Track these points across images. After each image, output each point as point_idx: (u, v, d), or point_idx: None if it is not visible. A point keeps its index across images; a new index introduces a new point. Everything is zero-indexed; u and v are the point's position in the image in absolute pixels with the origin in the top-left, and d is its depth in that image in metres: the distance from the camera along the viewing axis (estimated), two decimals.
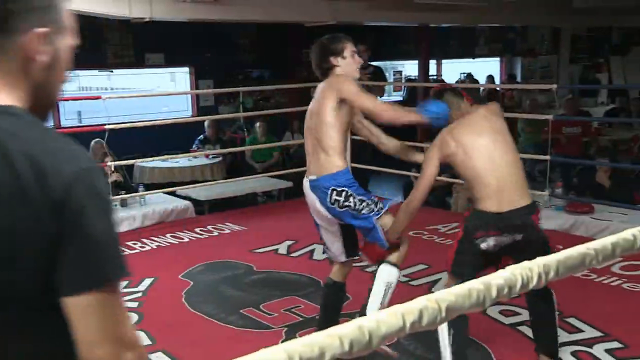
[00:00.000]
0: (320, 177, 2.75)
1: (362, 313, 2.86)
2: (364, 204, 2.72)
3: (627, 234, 0.88)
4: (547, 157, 5.39)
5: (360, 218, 2.73)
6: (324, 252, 3.19)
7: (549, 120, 5.66)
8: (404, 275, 4.11)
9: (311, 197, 2.83)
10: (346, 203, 2.71)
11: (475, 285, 0.71)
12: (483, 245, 2.62)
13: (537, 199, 5.45)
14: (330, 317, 2.91)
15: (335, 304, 2.98)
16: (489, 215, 2.61)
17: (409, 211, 2.72)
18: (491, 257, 2.65)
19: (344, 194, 2.70)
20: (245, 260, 4.57)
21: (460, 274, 2.61)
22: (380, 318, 0.62)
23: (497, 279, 0.73)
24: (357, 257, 3.00)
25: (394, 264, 2.84)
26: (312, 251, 4.76)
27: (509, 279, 0.73)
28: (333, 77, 2.81)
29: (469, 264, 2.65)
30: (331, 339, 0.58)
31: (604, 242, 0.86)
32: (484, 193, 2.62)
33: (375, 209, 2.74)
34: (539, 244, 2.66)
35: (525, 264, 0.77)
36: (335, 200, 2.70)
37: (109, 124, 5.28)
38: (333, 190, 2.70)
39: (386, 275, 2.82)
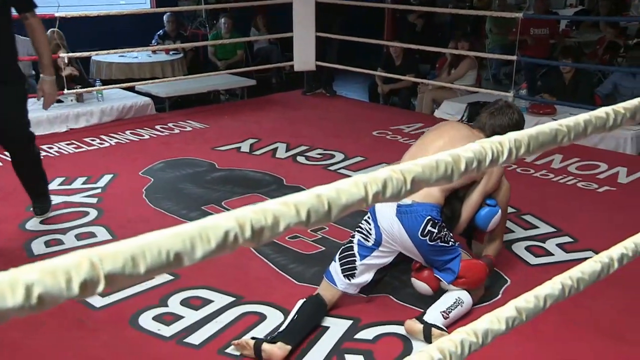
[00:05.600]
0: (417, 203, 2.42)
1: None
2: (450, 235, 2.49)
3: (601, 111, 0.85)
4: (514, 58, 5.34)
5: (448, 250, 2.45)
6: (338, 273, 2.58)
7: (518, 21, 5.55)
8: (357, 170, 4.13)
9: (391, 222, 2.45)
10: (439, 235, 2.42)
11: (443, 157, 0.66)
12: None
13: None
14: (302, 324, 2.44)
15: (313, 316, 2.51)
16: None
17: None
18: None
19: (437, 226, 2.40)
20: (207, 158, 4.50)
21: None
22: (340, 187, 0.57)
23: (466, 152, 0.68)
24: (365, 296, 2.66)
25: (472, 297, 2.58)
26: (275, 149, 4.71)
27: (478, 152, 0.69)
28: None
29: None
30: (287, 207, 0.53)
31: (577, 119, 0.82)
32: None
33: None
34: None
35: (496, 138, 0.73)
36: (429, 231, 2.40)
37: (59, 13, 4.96)
38: (429, 220, 2.40)
39: (461, 294, 2.51)
